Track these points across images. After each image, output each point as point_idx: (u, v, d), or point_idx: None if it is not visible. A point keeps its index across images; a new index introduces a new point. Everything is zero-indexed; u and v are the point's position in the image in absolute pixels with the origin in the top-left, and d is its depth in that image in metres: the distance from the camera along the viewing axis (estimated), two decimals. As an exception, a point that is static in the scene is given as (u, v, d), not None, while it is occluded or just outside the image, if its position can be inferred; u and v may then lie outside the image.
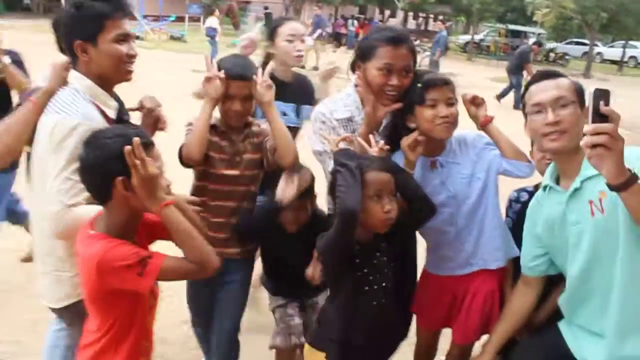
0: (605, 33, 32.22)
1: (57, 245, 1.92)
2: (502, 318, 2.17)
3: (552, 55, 31.15)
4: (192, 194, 2.35)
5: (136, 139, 1.54)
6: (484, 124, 2.20)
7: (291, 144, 2.32)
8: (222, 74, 2.23)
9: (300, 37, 2.95)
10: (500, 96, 14.53)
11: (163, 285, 1.97)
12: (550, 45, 32.73)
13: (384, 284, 2.03)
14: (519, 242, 2.22)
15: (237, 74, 2.26)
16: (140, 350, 1.78)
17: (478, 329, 2.28)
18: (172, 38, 21.62)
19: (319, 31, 18.45)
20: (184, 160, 2.29)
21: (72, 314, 2.03)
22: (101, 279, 1.57)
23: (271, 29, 3.00)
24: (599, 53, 33.38)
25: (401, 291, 2.18)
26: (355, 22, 30.05)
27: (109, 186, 1.59)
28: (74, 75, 1.96)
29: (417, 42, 26.07)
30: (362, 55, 2.23)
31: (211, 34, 17.01)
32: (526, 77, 14.16)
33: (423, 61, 18.88)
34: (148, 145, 1.63)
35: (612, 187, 1.47)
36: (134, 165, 1.54)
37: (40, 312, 3.48)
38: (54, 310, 2.08)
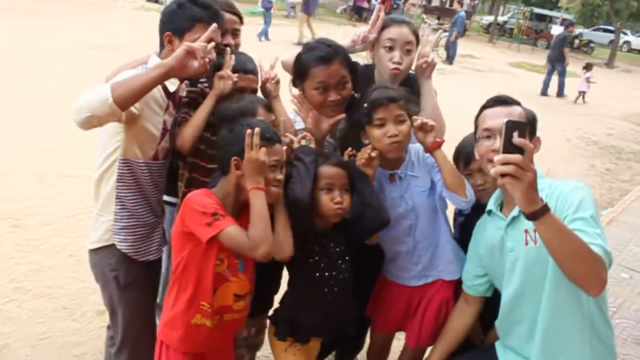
0: (635, 22, 31.40)
1: (103, 191, 2.16)
2: (442, 335, 2.22)
3: (576, 41, 30.49)
4: (186, 185, 2.38)
5: (257, 129, 1.84)
6: (431, 150, 2.13)
7: (292, 128, 2.33)
8: (235, 77, 2.27)
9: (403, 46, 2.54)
10: (544, 93, 14.57)
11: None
12: (576, 31, 32.05)
13: (334, 273, 2.12)
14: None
15: (246, 68, 2.37)
16: (198, 308, 1.98)
17: (431, 335, 2.32)
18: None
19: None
20: (176, 148, 2.31)
21: (98, 264, 2.24)
22: (182, 214, 1.90)
23: None
24: (626, 42, 32.66)
25: (355, 285, 2.22)
26: (379, -4, 29.62)
27: (228, 162, 1.92)
28: (153, 59, 2.17)
29: (438, 20, 25.70)
30: (299, 76, 2.27)
31: (267, 6, 17.01)
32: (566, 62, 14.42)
33: (441, 41, 18.65)
34: (271, 140, 1.93)
35: (524, 215, 1.52)
36: (248, 146, 1.84)
37: (25, 281, 3.63)
38: (89, 256, 2.28)
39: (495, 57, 21.59)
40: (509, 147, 1.47)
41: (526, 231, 1.82)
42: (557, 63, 14.77)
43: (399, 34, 2.40)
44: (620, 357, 2.46)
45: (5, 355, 3.00)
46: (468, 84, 14.37)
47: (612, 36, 29.30)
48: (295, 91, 2.35)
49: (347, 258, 2.17)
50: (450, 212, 2.42)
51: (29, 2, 15.93)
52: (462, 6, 18.27)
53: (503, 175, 1.45)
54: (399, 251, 2.29)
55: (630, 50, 32.98)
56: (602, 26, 33.27)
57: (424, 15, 26.43)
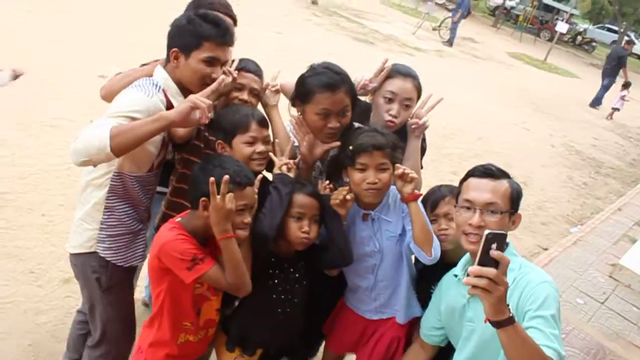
0: (640, 27, 31.24)
1: (90, 198, 2.16)
2: None
3: (579, 38, 30.37)
4: (177, 180, 2.39)
5: (226, 177, 1.81)
6: (407, 200, 2.15)
7: (288, 138, 2.34)
8: (235, 74, 2.30)
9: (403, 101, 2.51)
10: (594, 104, 14.95)
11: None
12: (580, 27, 31.84)
13: (290, 297, 2.20)
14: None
15: (247, 67, 2.39)
16: (182, 328, 2.08)
17: None
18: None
19: None
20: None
21: (79, 265, 2.26)
22: (158, 254, 1.92)
23: None
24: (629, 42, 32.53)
25: (310, 308, 2.31)
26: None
27: (197, 200, 1.91)
28: (159, 71, 2.19)
29: (445, 1, 25.30)
30: (301, 98, 2.26)
31: None
32: (622, 77, 14.77)
33: (445, 22, 18.44)
34: (241, 185, 1.92)
35: (489, 322, 1.52)
36: (213, 195, 1.82)
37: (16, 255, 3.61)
38: (70, 256, 2.30)
39: (495, 44, 21.45)
40: (485, 259, 1.46)
41: None
42: (609, 77, 15.11)
43: (401, 88, 2.42)
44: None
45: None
46: (463, 71, 14.31)
47: (615, 36, 29.20)
48: (294, 111, 2.34)
49: (304, 283, 2.24)
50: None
51: None
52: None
53: (475, 286, 1.44)
54: (360, 285, 2.35)
55: (631, 54, 32.93)
56: (607, 25, 33.05)
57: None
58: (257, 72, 2.43)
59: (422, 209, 2.17)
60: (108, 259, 2.19)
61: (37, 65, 6.05)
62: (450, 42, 17.64)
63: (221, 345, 2.28)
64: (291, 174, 2.16)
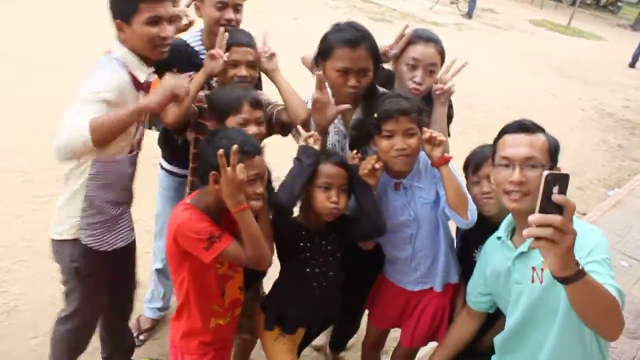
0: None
1: (72, 186, 2.13)
2: (443, 344, 2.27)
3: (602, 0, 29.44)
4: (193, 160, 2.41)
5: (234, 147, 1.77)
6: (437, 165, 2.10)
7: (301, 101, 2.33)
8: (225, 57, 2.28)
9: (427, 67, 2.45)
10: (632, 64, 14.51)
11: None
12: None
13: (324, 270, 2.18)
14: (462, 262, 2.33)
15: (239, 40, 2.35)
16: (212, 311, 2.08)
17: (425, 336, 2.39)
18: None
19: None
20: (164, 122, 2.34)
21: (61, 250, 2.24)
22: (176, 239, 1.90)
23: None
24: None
25: (348, 284, 2.29)
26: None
27: (207, 174, 1.88)
28: (116, 46, 2.12)
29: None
30: (322, 54, 2.21)
31: None
32: None
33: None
34: (249, 154, 1.88)
35: (555, 278, 1.37)
36: (223, 167, 1.78)
37: (34, 240, 3.70)
38: (51, 242, 2.28)
39: (516, 13, 20.94)
40: (547, 205, 1.28)
41: (533, 268, 1.79)
42: None
43: (423, 54, 2.35)
44: (611, 350, 2.48)
45: (15, 317, 3.10)
46: (485, 42, 14.03)
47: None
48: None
49: (338, 255, 2.21)
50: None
51: None
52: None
53: (538, 237, 1.28)
54: (398, 257, 2.31)
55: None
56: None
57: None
58: (250, 42, 2.38)
59: (454, 172, 2.11)
60: (90, 245, 2.17)
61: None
62: (469, 15, 17.28)
63: (260, 325, 2.28)
64: (316, 146, 2.12)
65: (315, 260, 2.16)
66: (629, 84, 12.98)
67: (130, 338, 2.79)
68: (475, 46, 12.68)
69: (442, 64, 2.41)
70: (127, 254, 2.42)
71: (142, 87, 2.15)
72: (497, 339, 2.08)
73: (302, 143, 2.13)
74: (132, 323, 2.97)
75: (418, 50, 2.36)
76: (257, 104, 2.21)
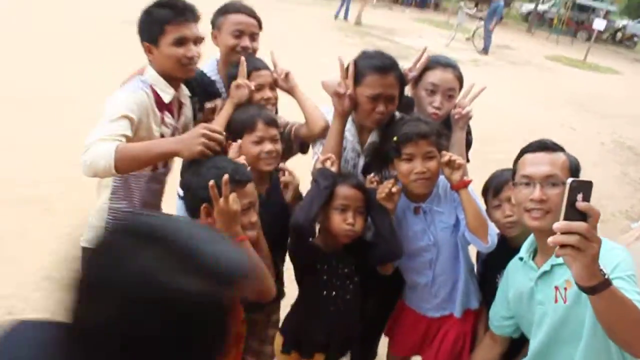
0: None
1: (100, 197, 2.25)
2: None
3: (619, 34, 29.54)
4: None
5: (225, 177, 1.70)
6: (457, 188, 2.10)
7: (320, 112, 2.39)
8: (252, 85, 2.33)
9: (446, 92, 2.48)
10: None
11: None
12: (620, 23, 30.97)
13: (341, 293, 2.16)
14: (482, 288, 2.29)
15: (257, 65, 2.43)
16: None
17: None
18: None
19: None
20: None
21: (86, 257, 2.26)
22: None
23: None
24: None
25: (367, 309, 2.28)
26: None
27: (197, 208, 1.79)
28: (147, 69, 2.22)
29: (476, 7, 25.13)
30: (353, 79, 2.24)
31: None
32: None
33: (478, 30, 18.29)
34: (241, 182, 1.81)
35: (580, 288, 1.35)
36: (215, 199, 1.72)
37: (53, 269, 3.72)
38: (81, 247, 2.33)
39: (532, 49, 21.05)
40: (572, 212, 1.27)
41: (556, 288, 1.76)
42: None
43: (442, 80, 2.39)
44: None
45: (33, 346, 3.09)
46: (501, 77, 14.09)
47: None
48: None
49: (355, 279, 2.19)
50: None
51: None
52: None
53: (563, 245, 1.27)
54: (418, 282, 2.29)
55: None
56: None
57: (462, 1, 25.89)
58: (267, 66, 2.47)
59: (474, 195, 2.11)
60: None
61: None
62: (485, 50, 17.45)
63: (278, 348, 2.25)
64: (333, 169, 2.13)
65: (332, 283, 2.15)
66: (649, 117, 12.88)
67: None
68: (492, 82, 12.63)
69: (460, 89, 2.44)
70: None
71: (165, 107, 2.23)
72: None
73: (319, 166, 2.14)
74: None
75: (437, 76, 2.40)
76: (271, 121, 2.24)
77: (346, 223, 2.06)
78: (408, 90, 2.51)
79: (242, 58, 2.39)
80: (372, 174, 2.22)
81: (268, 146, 2.18)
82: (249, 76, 2.37)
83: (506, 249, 2.16)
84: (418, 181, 2.09)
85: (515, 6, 33.67)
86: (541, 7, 30.14)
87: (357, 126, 2.34)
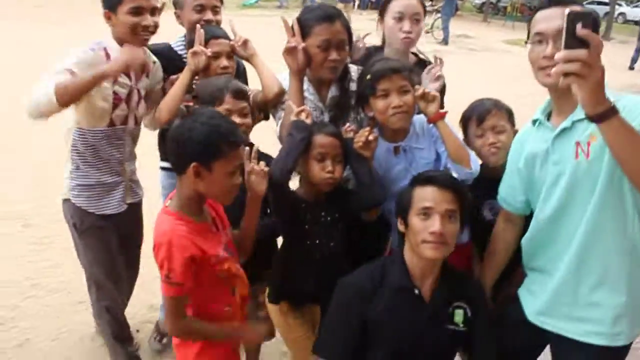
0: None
1: (67, 152, 2.45)
2: (490, 250, 2.18)
3: (571, 16, 30.23)
4: None
5: (255, 148, 1.99)
6: (433, 121, 2.12)
7: (275, 77, 2.39)
8: (209, 52, 2.35)
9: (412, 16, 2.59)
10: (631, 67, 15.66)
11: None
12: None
13: (325, 240, 2.18)
14: None
15: (215, 33, 2.46)
16: (225, 315, 1.95)
17: None
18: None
19: None
20: (157, 122, 2.48)
21: (64, 209, 2.55)
22: (161, 265, 1.77)
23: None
24: (621, 13, 32.42)
25: (355, 257, 2.25)
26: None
27: (185, 164, 1.72)
28: (107, 34, 2.36)
29: (430, 2, 25.56)
30: (301, 34, 2.27)
31: None
32: None
33: (436, 23, 18.61)
34: (235, 143, 1.77)
35: (589, 118, 1.39)
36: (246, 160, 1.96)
37: (40, 277, 3.68)
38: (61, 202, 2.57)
39: (489, 36, 21.47)
40: (572, 41, 1.27)
41: (578, 143, 1.69)
42: None
43: (407, 6, 2.54)
44: None
45: (28, 349, 3.07)
46: (465, 64, 14.35)
47: (607, 8, 29.06)
48: None
49: (338, 226, 2.21)
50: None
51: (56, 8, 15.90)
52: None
53: (566, 74, 1.27)
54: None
55: (626, 21, 32.60)
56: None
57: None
58: (225, 35, 2.49)
59: (451, 126, 2.14)
60: (78, 205, 2.45)
61: None
62: (445, 41, 17.75)
63: (267, 300, 2.27)
64: (308, 121, 2.13)
65: (316, 232, 2.16)
66: (610, 86, 13.19)
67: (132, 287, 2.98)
68: (456, 69, 12.89)
69: (424, 15, 2.60)
70: (127, 217, 2.59)
71: None
72: (525, 241, 2.00)
73: (293, 118, 2.14)
74: (152, 327, 3.21)
75: (402, 4, 2.54)
76: (240, 94, 2.22)
77: (325, 171, 2.08)
78: (377, 28, 2.67)
79: (198, 26, 2.42)
80: (347, 124, 2.24)
81: (236, 119, 2.13)
82: (206, 44, 2.39)
83: (488, 180, 2.19)
84: (396, 115, 2.11)
85: (469, -2, 34.34)
86: (494, -3, 30.82)
87: (314, 84, 2.37)
